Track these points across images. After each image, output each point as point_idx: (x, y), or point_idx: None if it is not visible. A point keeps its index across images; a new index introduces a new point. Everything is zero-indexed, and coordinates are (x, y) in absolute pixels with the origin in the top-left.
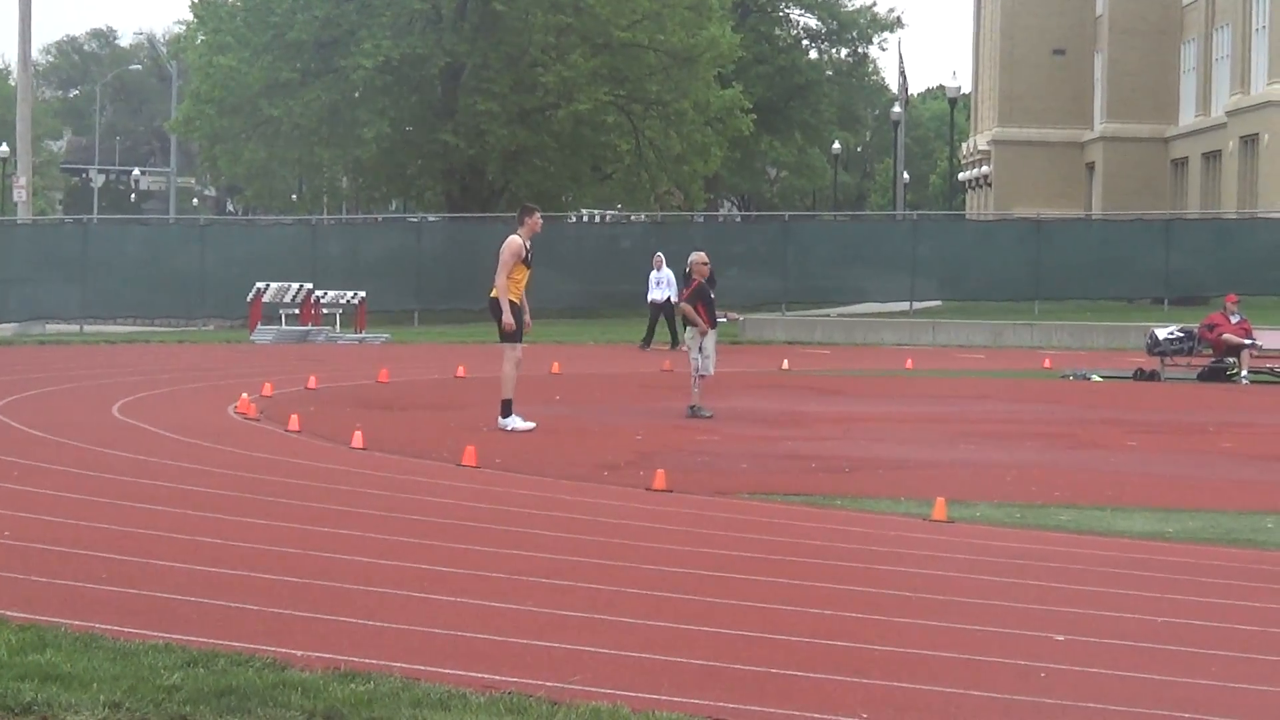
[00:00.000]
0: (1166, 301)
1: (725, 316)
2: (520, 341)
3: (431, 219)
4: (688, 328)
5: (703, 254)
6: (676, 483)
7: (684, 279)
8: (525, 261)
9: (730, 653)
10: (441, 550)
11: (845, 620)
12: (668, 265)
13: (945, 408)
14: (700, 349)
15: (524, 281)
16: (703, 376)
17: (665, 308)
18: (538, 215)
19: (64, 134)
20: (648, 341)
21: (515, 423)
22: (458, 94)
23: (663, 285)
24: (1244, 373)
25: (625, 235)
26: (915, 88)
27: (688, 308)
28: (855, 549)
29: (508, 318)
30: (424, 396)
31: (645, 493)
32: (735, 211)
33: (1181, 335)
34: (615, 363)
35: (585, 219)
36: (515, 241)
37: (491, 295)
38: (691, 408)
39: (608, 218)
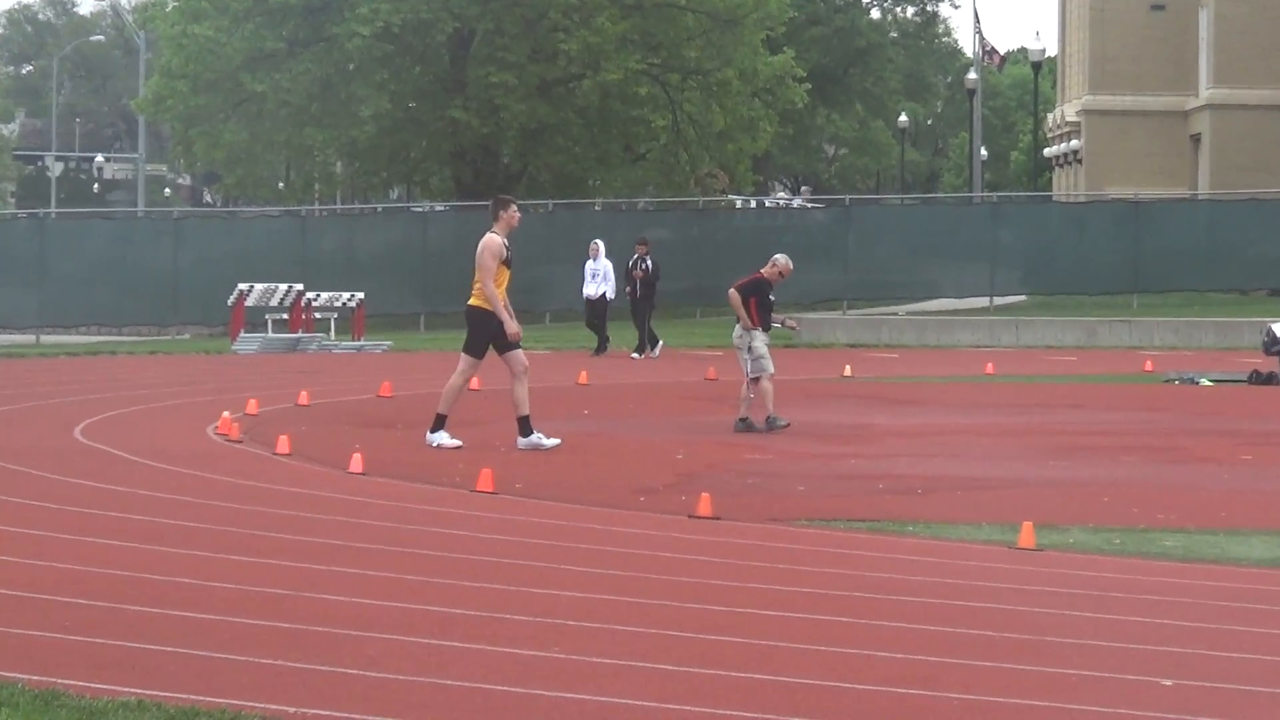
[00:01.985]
0: None
1: (781, 323)
2: (480, 358)
3: (439, 208)
4: (736, 326)
5: (790, 263)
6: (724, 509)
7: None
8: (506, 262)
9: (789, 704)
10: (454, 590)
11: (920, 665)
12: (643, 256)
13: (1031, 418)
14: (749, 349)
15: (505, 284)
16: (755, 380)
17: (600, 303)
18: (514, 208)
19: (16, 116)
20: (602, 347)
21: (539, 440)
22: (467, 64)
23: (599, 278)
24: None
25: (661, 224)
26: (998, 50)
27: (736, 296)
28: (930, 582)
29: (510, 326)
30: (432, 413)
31: (688, 520)
32: (788, 196)
33: None
34: (651, 371)
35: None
36: (494, 240)
37: (471, 303)
38: (769, 419)
39: (641, 204)
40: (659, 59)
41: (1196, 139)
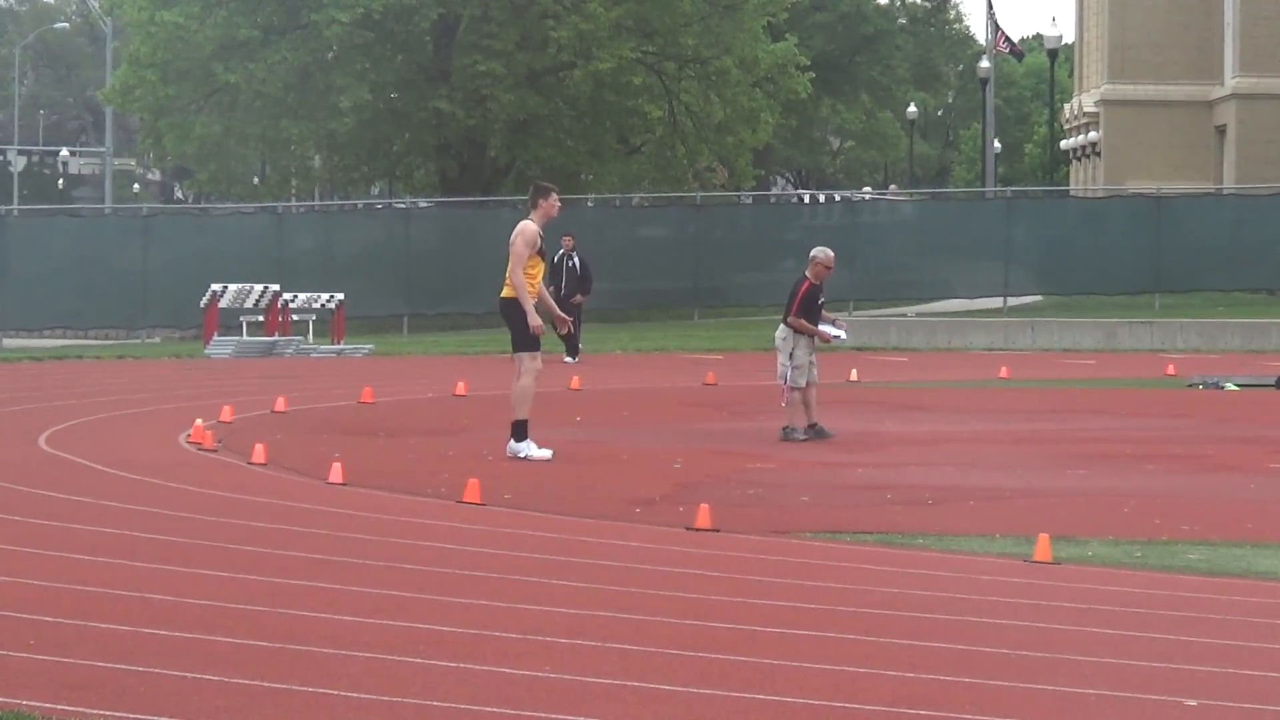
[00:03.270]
0: None
1: (833, 323)
2: (540, 350)
3: (423, 204)
4: (780, 328)
5: (832, 255)
6: (724, 521)
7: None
8: (540, 252)
9: None
10: (440, 606)
11: (930, 684)
12: (569, 252)
13: (1048, 425)
14: (791, 355)
15: (539, 276)
16: (794, 389)
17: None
18: (554, 197)
19: None
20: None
21: (530, 449)
22: (453, 53)
23: None
24: None
25: (657, 222)
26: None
27: (802, 323)
28: (941, 597)
29: (534, 320)
30: (416, 419)
31: (686, 533)
32: (791, 190)
33: None
34: (647, 375)
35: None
36: (529, 228)
37: (504, 295)
38: (785, 429)
39: (635, 200)
40: (654, 47)
41: (1221, 130)
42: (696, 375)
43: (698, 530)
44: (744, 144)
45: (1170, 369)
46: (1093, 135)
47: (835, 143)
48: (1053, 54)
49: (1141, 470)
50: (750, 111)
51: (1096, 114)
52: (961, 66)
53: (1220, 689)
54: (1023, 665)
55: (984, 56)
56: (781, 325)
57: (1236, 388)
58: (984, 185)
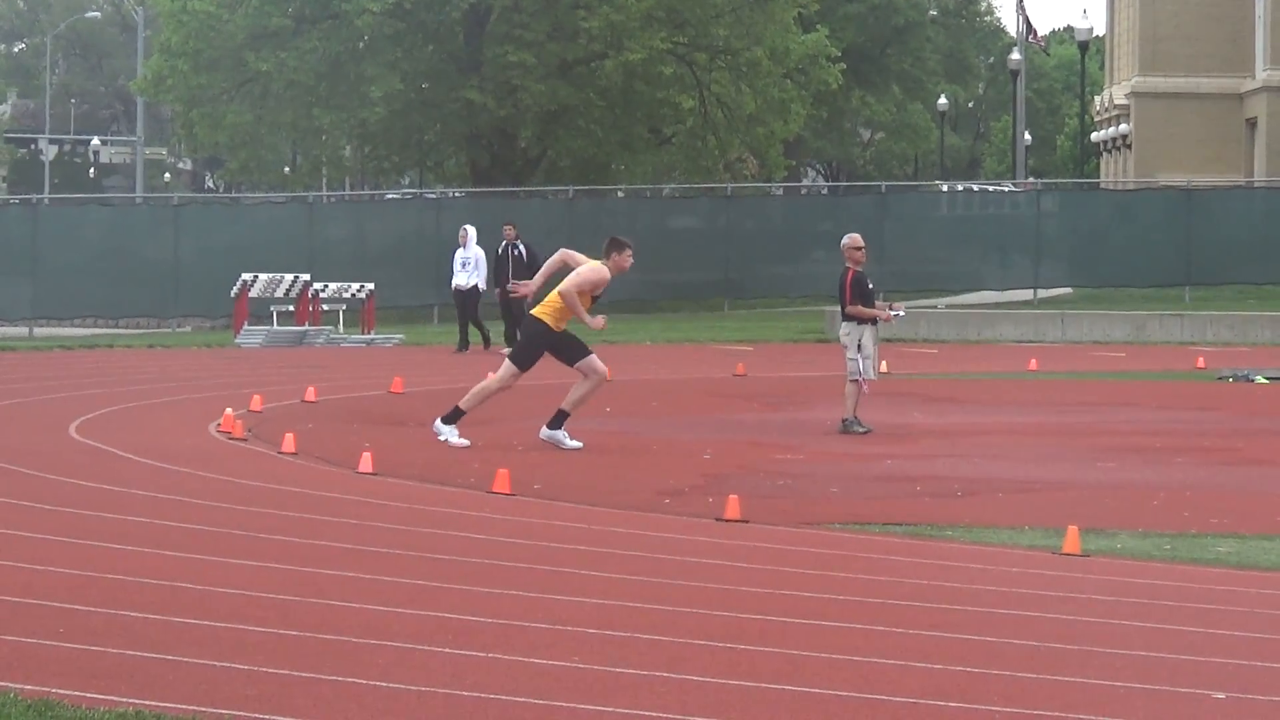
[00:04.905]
0: None
1: (892, 309)
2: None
3: (454, 194)
4: (844, 322)
5: (857, 236)
6: (753, 512)
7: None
8: (596, 296)
9: (821, 716)
10: (469, 596)
11: (959, 676)
12: (513, 242)
13: (1078, 417)
14: (859, 347)
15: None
16: (863, 381)
17: (472, 295)
18: (629, 253)
19: (8, 96)
20: (468, 344)
21: (451, 435)
22: (484, 43)
23: (469, 267)
24: None
25: (688, 213)
26: (1039, 30)
27: (861, 309)
28: (970, 589)
29: (596, 321)
30: (445, 409)
31: (715, 524)
32: (821, 182)
33: None
34: (677, 366)
35: (639, 193)
36: (603, 273)
37: (534, 313)
38: (845, 421)
39: (666, 191)
40: (685, 37)
41: (1252, 123)
42: (727, 366)
43: (727, 521)
44: (774, 135)
45: (1200, 362)
46: (1124, 128)
47: (866, 134)
48: (1084, 46)
49: (1171, 463)
50: (781, 103)
51: (1127, 106)
52: (992, 59)
53: (1248, 682)
54: (1051, 657)
55: (1014, 49)
56: (842, 322)
57: (1267, 381)
58: (1015, 178)
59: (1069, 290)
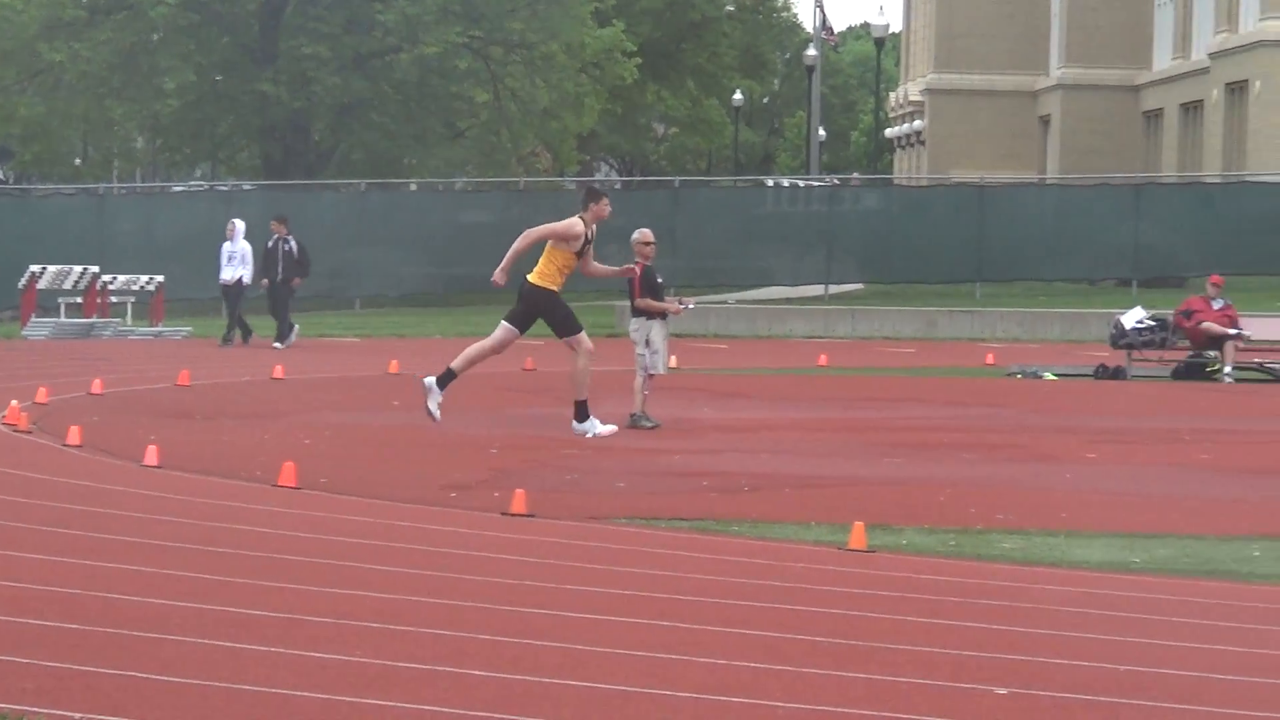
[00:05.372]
0: (1135, 283)
1: (682, 303)
2: (576, 331)
3: (246, 187)
4: (633, 318)
5: (648, 231)
6: (539, 506)
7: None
8: (579, 251)
9: (603, 712)
10: (253, 590)
11: (742, 671)
12: (284, 238)
13: (866, 413)
14: (648, 342)
15: (571, 269)
16: (651, 376)
17: (236, 289)
18: (606, 201)
19: None
20: (234, 336)
21: (594, 426)
22: (278, 35)
23: (235, 261)
24: (1227, 369)
25: (480, 206)
26: (835, 26)
27: (650, 303)
28: (755, 585)
29: (498, 276)
30: (233, 403)
31: (501, 518)
32: (614, 176)
33: (1153, 324)
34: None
35: (431, 186)
36: (577, 226)
37: (531, 280)
38: (633, 415)
39: (459, 185)
40: (481, 31)
41: (1046, 120)
42: (516, 360)
43: (513, 515)
44: (568, 129)
45: (990, 358)
46: (918, 124)
47: (660, 129)
48: (879, 43)
49: (958, 459)
50: (575, 97)
51: (922, 103)
52: (788, 54)
53: (1031, 678)
54: (835, 653)
55: (811, 45)
56: (632, 317)
57: (1055, 377)
58: (808, 173)
59: (860, 286)
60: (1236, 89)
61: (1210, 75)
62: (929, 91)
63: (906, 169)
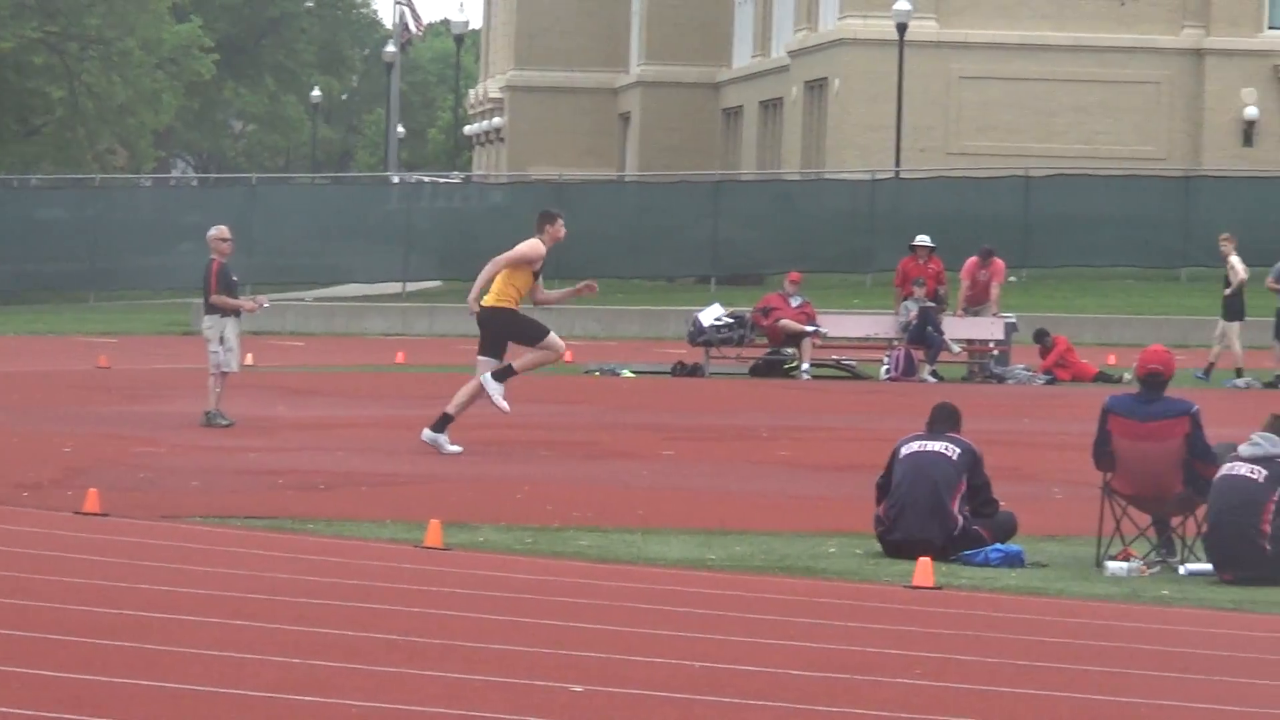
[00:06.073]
0: (714, 280)
1: (257, 300)
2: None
3: None
4: (207, 315)
5: (224, 228)
6: (113, 505)
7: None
8: (536, 272)
9: (173, 712)
10: None
11: (318, 670)
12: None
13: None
14: (222, 339)
15: (525, 290)
16: (225, 373)
17: None
18: (560, 223)
19: None
20: None
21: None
22: None
23: None
24: (805, 366)
25: (56, 204)
26: (416, 22)
27: (225, 300)
28: (331, 583)
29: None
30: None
31: (74, 517)
32: (191, 173)
33: (731, 321)
34: (40, 359)
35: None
36: (539, 248)
37: (487, 304)
38: (207, 413)
39: (34, 181)
40: (57, 27)
41: (626, 118)
42: (89, 359)
43: (86, 514)
44: (145, 126)
45: (568, 355)
46: (497, 121)
47: (238, 126)
48: (459, 39)
49: (535, 456)
50: (153, 93)
51: (502, 100)
52: (367, 51)
53: (607, 675)
54: (412, 651)
55: (390, 41)
56: (205, 314)
57: (633, 375)
58: (387, 170)
59: (439, 283)
60: (816, 87)
61: (790, 73)
62: (509, 88)
63: (487, 166)
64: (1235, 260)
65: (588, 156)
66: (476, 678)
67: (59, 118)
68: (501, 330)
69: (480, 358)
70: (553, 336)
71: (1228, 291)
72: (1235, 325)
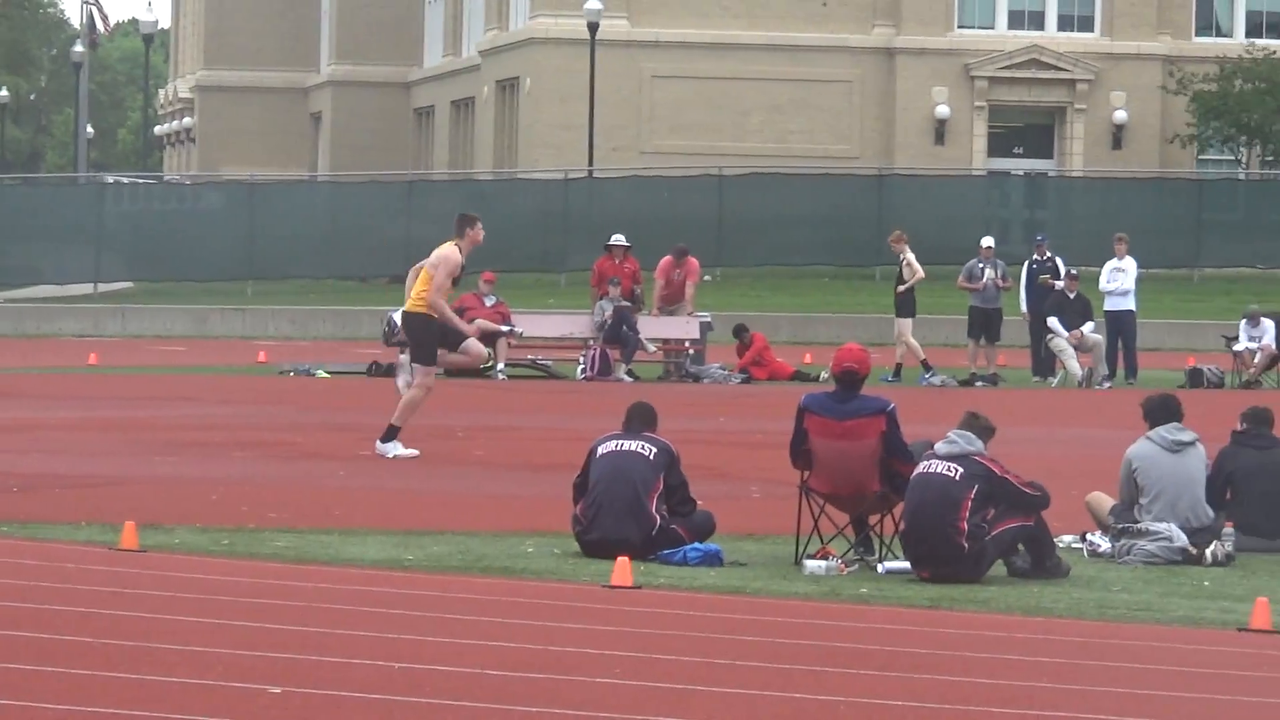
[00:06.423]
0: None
1: None
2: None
3: None
4: None
5: None
6: None
7: None
8: (456, 281)
9: None
10: None
11: (11, 673)
12: None
13: (137, 412)
14: None
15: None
16: None
17: None
18: (480, 226)
19: None
20: None
21: (397, 449)
22: None
23: None
24: (500, 366)
25: None
26: (108, 21)
27: None
28: (25, 586)
29: (473, 328)
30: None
31: None
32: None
33: None
34: None
35: None
36: (455, 258)
37: (409, 309)
38: None
39: None
40: None
41: (317, 117)
42: None
43: None
44: None
45: (262, 356)
46: (188, 121)
47: None
48: (148, 39)
49: (230, 457)
50: None
51: (192, 100)
52: (55, 50)
53: (304, 676)
54: (107, 653)
55: (78, 41)
56: None
57: (328, 375)
58: (76, 170)
59: (130, 284)
60: (507, 86)
61: (481, 72)
62: (199, 88)
63: (178, 166)
64: (912, 257)
65: (280, 156)
66: (174, 680)
67: None
68: (420, 333)
69: (415, 366)
70: (430, 373)
71: (900, 289)
72: (908, 322)
